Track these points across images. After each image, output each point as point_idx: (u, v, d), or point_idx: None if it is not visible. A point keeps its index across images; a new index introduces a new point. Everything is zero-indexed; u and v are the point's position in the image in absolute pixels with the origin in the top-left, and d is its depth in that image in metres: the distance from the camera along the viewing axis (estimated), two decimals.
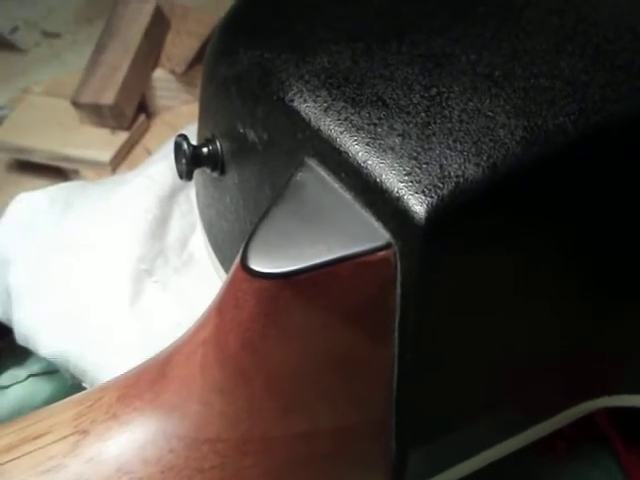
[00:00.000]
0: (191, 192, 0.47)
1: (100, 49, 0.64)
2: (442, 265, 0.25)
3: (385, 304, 0.25)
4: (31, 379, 0.45)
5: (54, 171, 0.62)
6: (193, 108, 0.41)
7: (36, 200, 0.48)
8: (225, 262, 0.38)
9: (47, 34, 0.78)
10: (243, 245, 0.25)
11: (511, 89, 0.27)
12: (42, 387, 0.45)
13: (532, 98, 0.27)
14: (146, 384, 0.27)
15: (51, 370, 0.45)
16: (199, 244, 0.45)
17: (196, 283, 0.44)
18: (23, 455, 0.26)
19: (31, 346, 0.43)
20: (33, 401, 0.44)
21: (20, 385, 0.45)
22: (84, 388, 0.40)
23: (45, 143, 0.62)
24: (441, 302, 0.26)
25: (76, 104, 0.62)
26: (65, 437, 0.26)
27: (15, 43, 0.76)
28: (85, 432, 0.26)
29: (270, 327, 0.25)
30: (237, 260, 0.25)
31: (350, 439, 0.28)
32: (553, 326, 0.30)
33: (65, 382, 0.43)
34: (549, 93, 0.27)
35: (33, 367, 0.46)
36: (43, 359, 0.43)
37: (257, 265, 0.24)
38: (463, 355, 0.28)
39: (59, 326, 0.42)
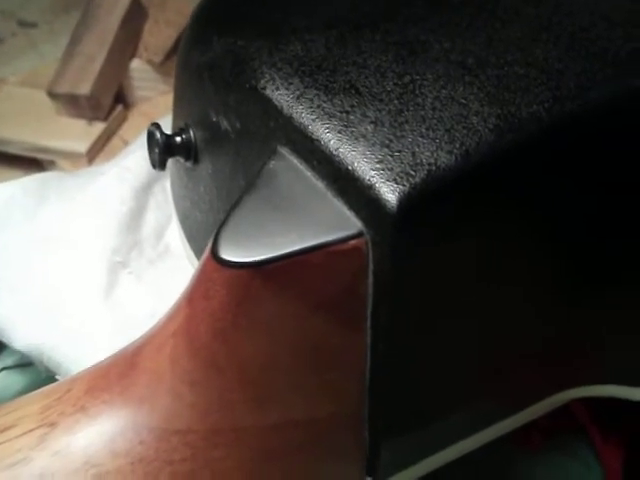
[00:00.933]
0: (167, 183, 0.47)
1: (76, 39, 0.63)
2: (414, 253, 0.25)
3: (357, 293, 0.25)
4: (4, 372, 0.45)
5: (30, 162, 0.62)
6: (171, 99, 0.41)
7: (10, 191, 0.48)
8: (199, 253, 0.38)
9: (23, 24, 0.77)
10: (214, 234, 0.25)
11: (485, 77, 0.27)
12: (16, 380, 0.45)
13: (506, 86, 0.26)
14: (115, 376, 0.27)
15: (25, 363, 0.44)
16: (175, 235, 0.45)
17: (171, 274, 0.43)
18: None
19: (5, 339, 0.42)
20: (6, 394, 0.44)
21: None
22: (57, 381, 0.40)
23: (21, 134, 0.61)
24: (414, 291, 0.26)
25: (52, 94, 0.61)
26: (32, 430, 0.26)
27: None
28: (53, 425, 0.26)
29: (241, 317, 0.25)
30: (207, 250, 0.25)
31: (324, 430, 0.27)
32: (528, 316, 0.30)
33: (39, 375, 0.43)
34: (523, 81, 0.27)
35: (7, 360, 0.45)
36: (17, 352, 0.43)
37: (228, 254, 0.24)
38: (436, 345, 0.28)
39: (33, 319, 0.42)
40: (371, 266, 0.25)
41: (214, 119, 0.31)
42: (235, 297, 0.24)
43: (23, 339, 0.41)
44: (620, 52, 0.27)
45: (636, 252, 0.29)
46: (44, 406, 0.26)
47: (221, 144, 0.32)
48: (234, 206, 0.26)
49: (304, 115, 0.27)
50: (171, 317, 0.26)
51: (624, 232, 0.29)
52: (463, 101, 0.26)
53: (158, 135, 0.34)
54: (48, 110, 0.62)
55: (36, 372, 0.43)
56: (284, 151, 0.27)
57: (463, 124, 0.25)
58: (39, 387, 0.29)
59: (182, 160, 0.35)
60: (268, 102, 0.28)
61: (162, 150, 0.34)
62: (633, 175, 0.28)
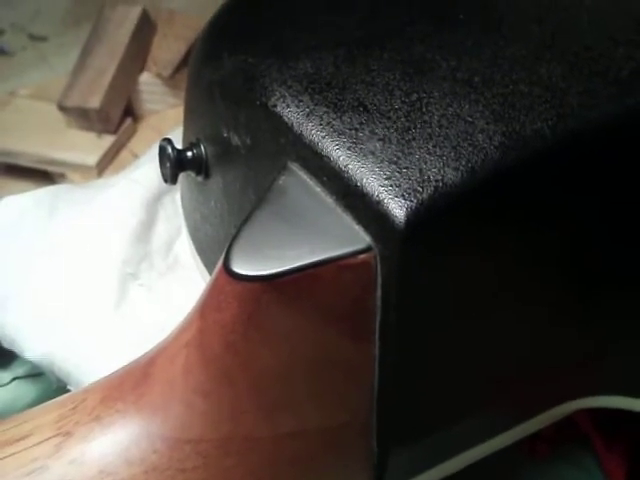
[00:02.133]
0: (177, 196, 0.47)
1: (87, 53, 0.64)
2: (422, 268, 0.25)
3: (366, 306, 0.26)
4: (16, 382, 0.45)
5: (40, 174, 0.62)
6: (179, 112, 0.42)
7: (22, 203, 0.49)
8: (210, 265, 0.39)
9: (34, 37, 0.78)
10: (226, 248, 0.25)
11: (490, 95, 0.27)
12: (27, 390, 0.45)
13: (511, 104, 0.27)
14: (129, 386, 0.27)
15: (36, 373, 0.45)
16: (184, 247, 0.45)
17: (181, 286, 0.44)
18: (6, 457, 0.26)
19: (16, 349, 0.43)
20: (18, 404, 0.44)
21: (4, 388, 0.45)
22: (69, 391, 0.40)
23: (31, 146, 0.62)
24: (421, 304, 0.26)
25: (62, 108, 0.62)
26: (48, 439, 0.26)
27: (2, 47, 0.76)
28: (68, 434, 0.26)
29: (253, 329, 0.25)
30: (220, 263, 0.25)
31: (333, 439, 0.28)
32: (534, 328, 0.30)
33: (50, 385, 0.43)
34: (527, 99, 0.27)
35: (18, 370, 0.45)
36: (28, 362, 0.43)
37: (240, 268, 0.25)
38: (444, 356, 0.28)
39: (44, 329, 0.42)
40: (379, 280, 0.26)
41: (225, 135, 0.32)
42: (247, 310, 0.25)
43: (34, 349, 0.42)
44: (622, 71, 0.28)
45: (637, 269, 0.30)
46: (59, 415, 0.27)
47: (232, 159, 0.32)
48: (245, 220, 0.26)
49: (314, 132, 0.27)
50: (184, 329, 0.27)
51: (627, 247, 0.29)
52: (469, 119, 0.27)
53: (170, 150, 0.34)
54: (58, 123, 0.63)
55: (47, 382, 0.44)
56: (294, 167, 0.28)
57: (469, 141, 0.26)
58: (50, 397, 0.29)
59: (193, 174, 0.35)
60: (278, 119, 0.28)
61: (173, 165, 0.34)
62: (634, 191, 0.28)
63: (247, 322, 0.25)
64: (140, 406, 0.26)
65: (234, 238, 0.26)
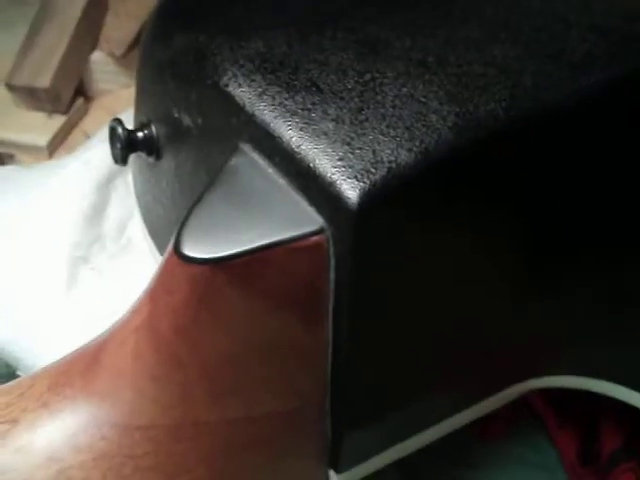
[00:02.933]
0: (129, 177, 0.47)
1: (35, 30, 0.62)
2: (374, 249, 0.25)
3: (319, 289, 0.26)
4: None
5: None
6: (132, 92, 0.41)
7: None
8: (162, 248, 0.38)
9: None
10: (176, 230, 0.25)
11: (444, 75, 0.27)
12: None
13: (464, 84, 0.27)
14: (78, 372, 0.27)
15: None
16: (137, 230, 0.45)
17: (133, 269, 0.43)
18: None
19: None
20: None
21: None
22: (18, 376, 0.40)
23: None
24: (374, 286, 0.26)
25: (10, 87, 0.60)
26: None
27: None
28: (15, 421, 0.26)
29: (203, 312, 0.25)
30: (170, 246, 0.25)
31: (287, 423, 0.28)
32: (487, 308, 0.30)
33: None
34: (481, 80, 0.27)
35: None
36: None
37: (190, 250, 0.24)
38: (396, 339, 0.28)
39: None
40: (332, 262, 0.25)
41: (176, 115, 0.32)
42: (197, 293, 0.25)
43: None
44: (575, 53, 0.28)
45: (587, 250, 0.30)
46: (6, 403, 0.26)
47: (183, 140, 0.32)
48: (196, 202, 0.26)
49: (266, 112, 0.27)
50: (134, 312, 0.26)
51: (579, 230, 0.30)
52: (423, 99, 0.27)
53: (120, 130, 0.34)
54: (6, 103, 0.61)
55: None
56: (246, 148, 0.27)
57: (423, 122, 0.26)
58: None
59: (144, 155, 0.35)
60: (230, 99, 0.28)
61: (124, 145, 0.34)
62: (585, 170, 0.28)
63: (197, 305, 0.25)
64: (89, 392, 0.26)
65: (184, 220, 0.25)
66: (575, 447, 0.41)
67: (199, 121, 0.30)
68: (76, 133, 0.61)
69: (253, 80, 0.28)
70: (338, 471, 0.30)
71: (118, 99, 0.62)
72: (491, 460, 0.41)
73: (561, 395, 0.39)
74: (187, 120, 0.31)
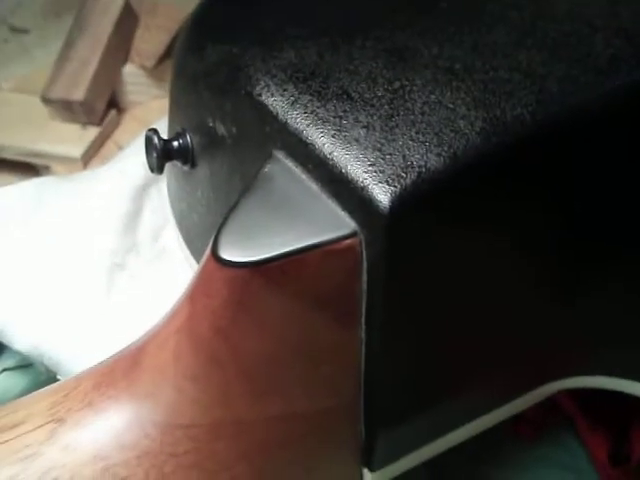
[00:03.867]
0: (163, 185, 0.48)
1: (69, 44, 0.64)
2: (406, 252, 0.26)
3: (352, 290, 0.26)
4: (5, 373, 0.46)
5: (25, 167, 0.62)
6: (163, 103, 0.42)
7: (8, 196, 0.49)
8: (196, 254, 0.39)
9: (15, 30, 0.78)
10: (214, 235, 0.26)
11: (471, 81, 0.28)
12: (16, 381, 0.45)
13: (491, 90, 0.28)
14: (120, 372, 0.28)
15: (25, 364, 0.45)
16: (171, 237, 0.46)
17: (168, 275, 0.44)
18: (0, 444, 0.26)
19: (5, 340, 0.43)
20: (7, 395, 0.45)
21: None
22: (58, 381, 0.41)
23: (16, 139, 0.62)
24: (406, 288, 0.27)
25: (46, 100, 0.62)
26: (41, 425, 0.26)
27: None
28: (61, 420, 0.27)
29: (241, 314, 0.26)
30: (208, 250, 0.26)
31: (321, 422, 0.28)
32: (519, 310, 0.31)
33: (39, 375, 0.44)
34: (508, 85, 0.28)
35: (7, 362, 0.46)
36: (17, 353, 0.44)
37: (228, 254, 0.25)
38: (429, 339, 0.29)
39: (33, 320, 0.43)
40: (365, 264, 0.26)
41: (211, 124, 0.32)
42: (235, 295, 0.25)
43: (23, 340, 0.42)
44: (600, 58, 0.28)
45: (617, 250, 0.30)
46: (52, 403, 0.27)
47: (218, 148, 0.33)
48: (233, 208, 0.27)
49: (299, 120, 0.28)
50: (173, 315, 0.27)
51: (609, 232, 0.30)
52: (451, 105, 0.27)
53: (156, 140, 0.35)
54: (42, 115, 0.63)
55: (36, 373, 0.44)
56: (280, 155, 0.28)
57: (451, 127, 0.26)
58: (39, 388, 0.29)
59: (179, 164, 0.36)
60: (263, 108, 0.29)
61: (160, 155, 0.35)
62: (613, 174, 0.29)
63: (236, 307, 0.25)
64: (132, 392, 0.27)
65: (222, 225, 0.26)
66: (606, 448, 0.41)
67: (233, 130, 0.31)
68: (109, 144, 0.63)
69: (285, 89, 0.29)
70: (371, 469, 0.31)
71: (150, 110, 0.64)
72: (520, 460, 0.41)
73: (591, 396, 0.39)
74: (221, 129, 0.32)
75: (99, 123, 0.63)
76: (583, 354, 0.34)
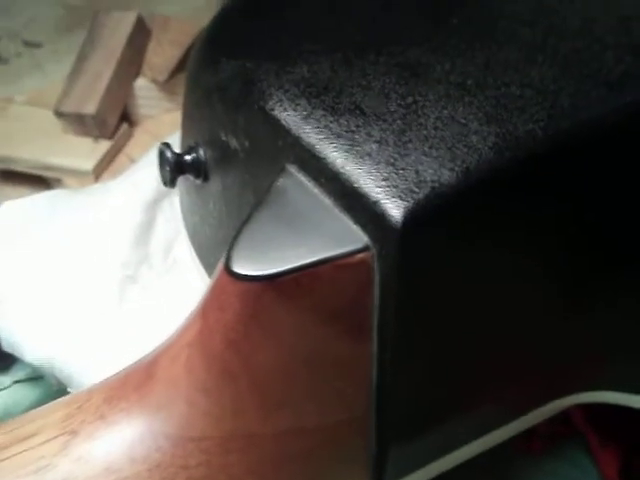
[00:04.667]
0: (175, 199, 0.48)
1: (82, 58, 0.65)
2: (418, 267, 0.26)
3: (364, 304, 0.26)
4: (16, 385, 0.46)
5: (37, 180, 0.63)
6: (175, 116, 0.42)
7: (21, 208, 0.49)
8: (209, 267, 0.39)
9: (28, 44, 0.78)
10: (227, 249, 0.26)
11: (483, 97, 0.28)
12: (27, 393, 0.46)
13: (503, 106, 0.28)
14: (132, 385, 0.28)
15: (36, 376, 0.45)
16: (183, 250, 0.46)
17: (180, 288, 0.44)
18: (13, 455, 0.26)
19: (16, 352, 0.43)
20: (18, 407, 0.45)
21: (5, 392, 0.46)
22: (69, 393, 0.41)
23: (28, 152, 0.62)
24: (418, 302, 0.27)
25: (59, 114, 0.62)
26: (55, 437, 0.27)
27: None
28: (74, 432, 0.27)
29: (254, 328, 0.26)
30: (221, 263, 0.26)
31: (333, 436, 0.28)
32: (530, 324, 0.31)
33: (50, 388, 0.44)
34: (520, 101, 0.28)
35: (18, 374, 0.46)
36: (28, 365, 0.44)
37: (240, 268, 0.25)
38: (441, 353, 0.29)
39: (45, 332, 0.43)
40: (377, 278, 0.26)
41: (224, 138, 0.33)
42: (248, 309, 0.26)
43: (34, 352, 0.43)
44: (612, 74, 0.29)
45: (629, 263, 0.30)
46: (65, 415, 0.27)
47: (230, 162, 0.33)
48: (245, 222, 0.27)
49: (312, 135, 0.28)
50: (186, 328, 0.27)
51: (621, 245, 0.30)
52: (463, 121, 0.27)
53: (169, 154, 0.35)
54: (55, 129, 0.64)
55: (47, 385, 0.44)
56: (292, 169, 0.28)
57: (464, 143, 0.27)
58: (50, 400, 0.29)
59: (192, 178, 0.36)
60: (276, 122, 0.29)
61: (173, 168, 0.35)
62: (625, 188, 0.29)
63: (248, 321, 0.25)
64: (144, 405, 0.27)
65: (235, 239, 0.26)
66: (617, 465, 0.41)
67: (246, 144, 0.31)
68: (121, 157, 0.63)
69: (298, 104, 0.29)
70: None
71: (161, 124, 0.64)
72: (530, 475, 0.41)
73: (602, 412, 0.39)
74: (234, 143, 0.32)
75: (111, 136, 0.63)
76: (595, 369, 0.34)
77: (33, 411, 0.29)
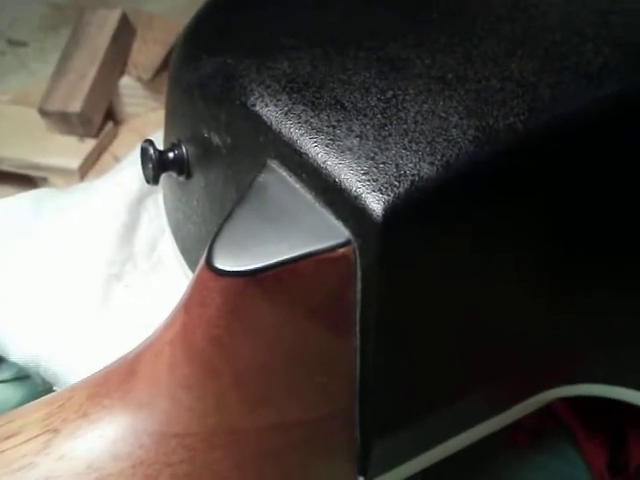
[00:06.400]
0: (159, 197, 0.48)
1: (67, 57, 0.64)
2: (399, 260, 0.26)
3: (346, 298, 0.26)
4: (2, 385, 0.46)
5: (23, 179, 0.62)
6: (160, 115, 0.42)
7: (6, 207, 0.49)
8: (193, 264, 0.39)
9: (13, 43, 0.78)
10: (208, 245, 0.26)
11: (463, 91, 0.28)
12: (13, 393, 0.45)
13: (484, 99, 0.28)
14: (115, 383, 0.28)
15: (22, 376, 0.45)
16: (168, 247, 0.46)
17: (165, 285, 0.44)
18: None
19: (2, 352, 0.43)
20: (4, 407, 0.45)
21: None
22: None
23: (13, 151, 0.62)
24: (400, 296, 0.27)
25: (44, 112, 0.62)
26: (36, 436, 0.27)
27: None
28: (56, 431, 0.27)
29: (236, 323, 0.26)
30: (202, 260, 0.26)
31: (316, 431, 0.29)
32: (512, 318, 0.31)
33: (36, 388, 0.44)
34: (500, 94, 0.28)
35: (4, 374, 0.46)
36: (14, 365, 0.44)
37: (222, 264, 0.25)
38: (423, 347, 0.29)
39: (30, 332, 0.43)
40: (359, 273, 0.26)
41: (206, 135, 0.33)
42: (229, 304, 0.26)
43: (20, 352, 0.42)
44: (591, 66, 0.29)
45: (607, 257, 0.31)
46: (47, 413, 0.27)
47: (213, 159, 0.33)
48: (227, 218, 0.27)
49: (292, 130, 0.28)
50: (168, 325, 0.27)
51: (599, 238, 0.30)
52: (443, 114, 0.27)
53: (151, 151, 0.35)
54: (40, 127, 0.63)
55: (33, 385, 0.44)
56: (274, 165, 0.28)
57: (444, 136, 0.27)
58: (36, 399, 0.29)
59: (175, 175, 0.36)
60: (258, 118, 0.29)
61: (156, 166, 0.35)
62: (607, 181, 0.29)
63: (230, 316, 0.25)
64: (126, 402, 0.27)
65: (216, 235, 0.26)
66: (604, 457, 0.41)
67: (228, 140, 0.31)
68: (106, 156, 0.63)
69: (279, 100, 0.29)
70: (367, 478, 0.31)
71: (146, 122, 0.64)
72: (517, 468, 0.41)
73: (588, 404, 0.39)
74: (216, 139, 0.32)
75: (96, 135, 0.63)
76: (579, 361, 0.34)
77: (15, 410, 0.28)
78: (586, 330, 0.33)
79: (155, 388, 0.27)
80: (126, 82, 0.65)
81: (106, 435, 0.26)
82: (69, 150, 0.62)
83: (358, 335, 0.27)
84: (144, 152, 0.35)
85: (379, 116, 0.28)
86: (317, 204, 0.27)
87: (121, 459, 0.26)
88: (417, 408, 0.30)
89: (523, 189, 0.28)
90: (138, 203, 0.48)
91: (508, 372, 0.32)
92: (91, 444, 0.26)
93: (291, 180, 0.28)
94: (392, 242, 0.26)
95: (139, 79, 0.65)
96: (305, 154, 0.27)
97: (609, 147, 0.29)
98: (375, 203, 0.25)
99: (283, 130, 0.28)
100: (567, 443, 0.42)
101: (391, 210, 0.25)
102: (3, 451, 0.26)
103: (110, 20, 0.66)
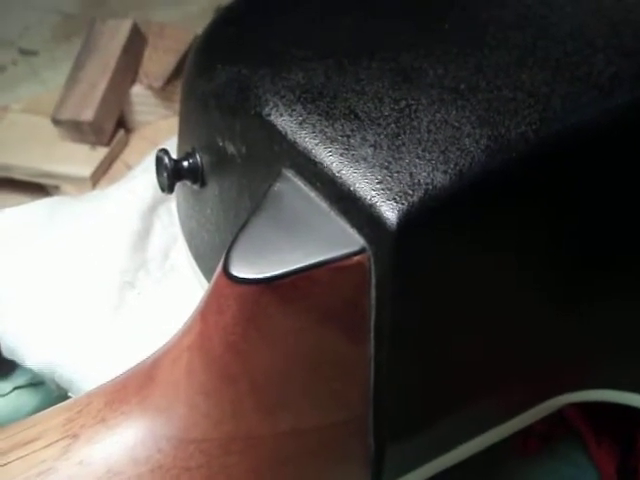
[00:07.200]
0: (172, 204, 0.48)
1: (78, 66, 0.65)
2: (413, 267, 0.26)
3: (361, 306, 0.27)
4: (16, 392, 0.46)
5: (35, 187, 0.63)
6: (171, 123, 0.42)
7: (19, 215, 0.49)
8: (206, 271, 0.39)
9: (24, 52, 0.79)
10: (225, 253, 0.26)
11: (476, 101, 0.29)
12: (28, 399, 0.46)
13: (496, 109, 0.28)
14: (133, 389, 0.28)
15: (37, 382, 0.45)
16: (181, 255, 0.46)
17: (178, 293, 0.45)
18: (15, 460, 0.27)
19: (17, 358, 0.44)
20: (19, 413, 0.45)
21: (5, 398, 0.46)
22: (70, 398, 0.41)
23: (26, 160, 0.62)
24: (414, 303, 0.27)
25: (56, 121, 0.62)
26: (56, 441, 0.27)
27: None
28: (75, 436, 0.27)
29: (252, 330, 0.26)
30: (219, 267, 0.26)
31: (331, 437, 0.29)
32: (526, 322, 0.31)
33: (50, 393, 0.44)
34: (512, 104, 0.28)
35: (19, 380, 0.46)
36: (29, 371, 0.44)
37: (239, 271, 0.26)
38: (437, 353, 0.29)
39: (45, 338, 0.43)
40: (373, 280, 0.26)
41: (220, 144, 0.33)
42: (246, 311, 0.26)
43: (35, 357, 0.43)
44: (602, 76, 0.29)
45: (620, 263, 0.31)
46: (66, 419, 0.28)
47: (227, 168, 0.33)
48: (243, 226, 0.27)
49: (307, 140, 0.28)
50: (186, 332, 0.28)
51: (612, 246, 0.31)
52: (456, 124, 0.28)
53: (166, 160, 0.35)
54: (52, 136, 0.64)
55: (47, 391, 0.45)
56: (289, 174, 0.29)
57: (457, 146, 0.27)
58: (51, 405, 0.30)
59: (189, 183, 0.36)
60: (272, 128, 0.29)
61: (171, 174, 0.35)
62: (617, 191, 0.29)
63: (247, 323, 0.26)
64: (144, 407, 0.27)
65: (232, 243, 0.26)
66: (614, 462, 0.41)
67: (243, 149, 0.32)
68: (118, 164, 0.63)
69: (294, 110, 0.29)
70: None
71: (158, 130, 0.64)
72: (527, 474, 0.41)
73: (599, 409, 0.39)
74: (231, 148, 0.32)
75: (108, 143, 0.63)
76: (590, 367, 0.34)
77: (35, 415, 0.29)
78: (597, 336, 0.33)
79: (173, 394, 0.27)
80: (137, 91, 0.66)
81: (125, 440, 0.27)
82: (81, 158, 0.62)
83: (373, 342, 0.27)
84: (159, 161, 0.36)
85: (393, 126, 0.28)
86: (332, 212, 0.27)
87: (140, 463, 0.26)
88: (430, 414, 0.31)
89: (535, 197, 0.28)
90: (151, 211, 0.49)
91: (521, 377, 0.32)
92: (110, 449, 0.27)
93: (306, 189, 0.28)
94: (406, 250, 0.26)
95: (150, 87, 0.65)
96: (320, 163, 0.28)
97: (620, 156, 0.29)
98: (389, 211, 0.26)
99: (298, 140, 0.28)
100: (577, 448, 0.42)
101: (405, 218, 0.25)
102: (22, 457, 0.27)
103: (121, 30, 0.66)
